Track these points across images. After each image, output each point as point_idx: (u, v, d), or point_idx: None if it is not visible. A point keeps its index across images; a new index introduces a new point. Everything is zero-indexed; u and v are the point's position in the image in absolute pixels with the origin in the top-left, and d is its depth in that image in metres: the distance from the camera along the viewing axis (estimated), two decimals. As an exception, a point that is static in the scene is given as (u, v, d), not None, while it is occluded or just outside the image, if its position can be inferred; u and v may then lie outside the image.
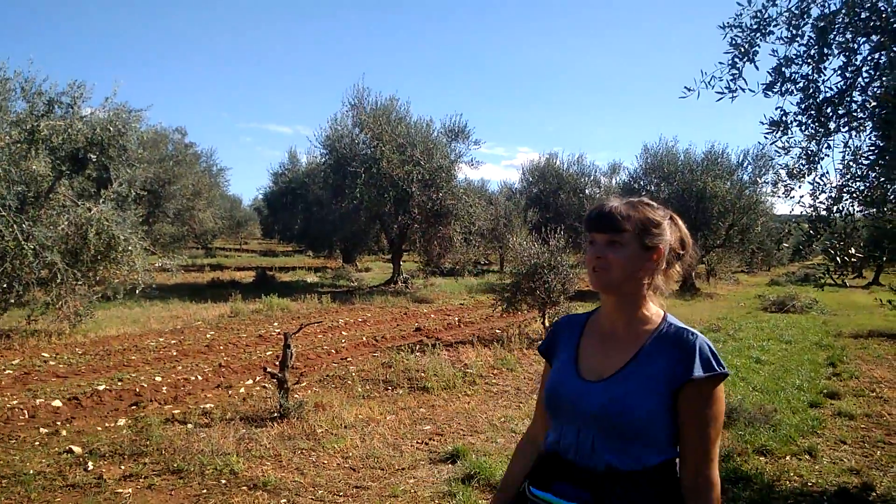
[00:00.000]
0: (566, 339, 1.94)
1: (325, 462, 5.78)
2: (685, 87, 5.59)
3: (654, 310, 1.82)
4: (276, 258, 37.80)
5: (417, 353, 10.17)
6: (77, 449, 5.75)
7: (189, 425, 6.58)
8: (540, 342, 2.11)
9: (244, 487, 5.11)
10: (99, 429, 6.48)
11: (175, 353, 10.32)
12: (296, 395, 7.40)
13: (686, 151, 25.77)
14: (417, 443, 6.44)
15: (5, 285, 9.98)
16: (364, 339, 12.16)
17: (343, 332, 12.90)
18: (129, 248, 11.00)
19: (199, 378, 8.75)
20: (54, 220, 10.51)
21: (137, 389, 7.96)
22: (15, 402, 7.29)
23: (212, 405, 7.39)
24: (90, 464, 5.43)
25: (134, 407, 7.34)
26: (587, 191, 31.19)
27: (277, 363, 9.72)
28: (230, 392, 8.12)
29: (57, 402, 7.25)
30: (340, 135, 20.75)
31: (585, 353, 1.87)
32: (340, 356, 10.61)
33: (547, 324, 12.00)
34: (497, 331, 13.11)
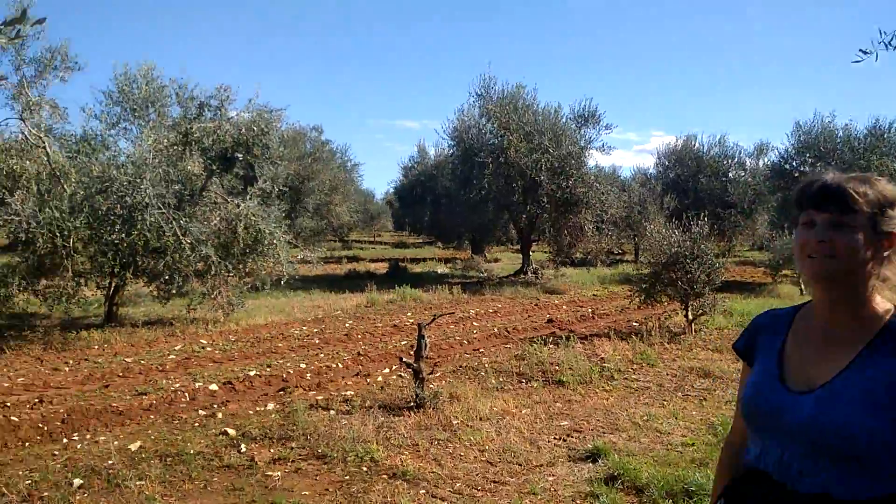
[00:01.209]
0: (768, 339, 1.65)
1: (462, 454, 5.72)
2: (860, 51, 4.89)
3: (885, 306, 1.49)
4: (408, 250, 38.78)
5: (551, 346, 9.92)
6: (231, 431, 6.10)
7: (331, 412, 6.79)
8: (737, 339, 1.80)
9: (384, 476, 5.16)
10: (251, 412, 6.85)
11: (317, 342, 10.77)
12: (431, 386, 7.43)
13: (845, 127, 23.32)
14: (555, 439, 6.23)
15: (167, 277, 10.89)
16: (495, 330, 12.08)
17: (474, 323, 12.90)
18: (274, 241, 11.63)
19: (340, 366, 9.05)
20: (207, 216, 11.33)
21: (284, 375, 8.36)
22: (177, 385, 7.89)
23: (352, 392, 7.60)
24: (243, 446, 5.73)
25: (281, 392, 7.70)
26: (730, 174, 29.14)
27: (412, 353, 9.88)
28: (368, 380, 8.32)
29: (214, 386, 7.76)
30: (467, 126, 20.77)
31: (792, 358, 1.58)
32: (472, 347, 10.58)
33: (690, 316, 11.28)
34: (634, 324, 12.53)
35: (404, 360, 7.04)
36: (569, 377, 8.24)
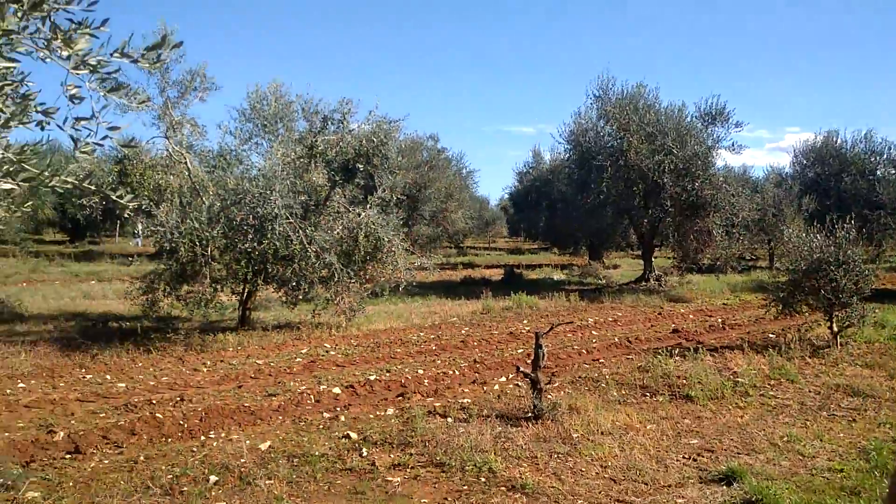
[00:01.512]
0: None
1: (583, 469, 5.51)
2: None
3: None
4: (523, 256, 38.51)
5: (677, 358, 9.40)
6: (353, 435, 6.23)
7: (449, 419, 6.78)
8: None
9: (502, 487, 5.06)
10: (371, 416, 6.99)
11: (434, 348, 10.87)
12: (549, 396, 7.24)
13: None
14: (684, 458, 5.86)
15: (294, 283, 11.43)
16: (616, 339, 11.64)
17: (593, 332, 12.51)
18: (393, 248, 11.89)
19: (457, 373, 9.05)
20: (331, 224, 11.79)
21: (403, 381, 8.47)
22: (304, 387, 8.21)
23: (469, 400, 7.56)
24: (364, 450, 5.84)
25: (400, 398, 7.80)
26: (878, 172, 26.47)
27: (529, 362, 9.71)
28: (485, 388, 8.25)
29: (337, 390, 8.00)
30: (584, 129, 20.30)
31: None
32: (592, 357, 10.25)
33: (835, 328, 10.29)
34: (770, 335, 11.64)
35: (521, 369, 6.90)
36: (697, 392, 7.76)
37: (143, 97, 2.33)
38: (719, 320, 13.94)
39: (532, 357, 9.90)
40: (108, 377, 8.59)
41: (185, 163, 11.85)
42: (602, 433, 6.38)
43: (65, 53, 2.17)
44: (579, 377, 8.78)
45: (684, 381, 8.21)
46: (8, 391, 7.75)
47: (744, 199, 19.13)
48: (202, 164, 12.38)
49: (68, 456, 5.63)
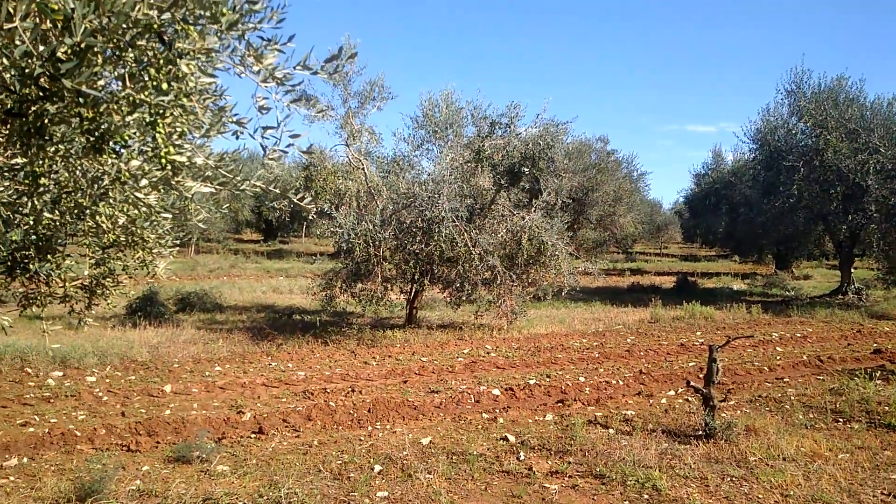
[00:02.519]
0: None
1: (760, 497, 5.03)
2: None
3: None
4: (698, 263, 36.26)
5: (878, 382, 8.32)
6: (511, 438, 6.23)
7: (610, 430, 6.55)
8: None
9: (667, 508, 4.78)
10: (529, 421, 6.94)
11: (597, 355, 10.57)
12: (722, 414, 6.73)
13: None
14: (882, 494, 5.14)
15: (458, 284, 11.72)
16: (804, 357, 10.54)
17: (777, 348, 11.43)
18: (557, 252, 11.76)
19: (620, 383, 8.72)
20: (495, 228, 11.93)
21: (563, 387, 8.33)
22: (464, 386, 8.37)
23: (632, 412, 7.25)
24: (522, 453, 5.81)
25: (560, 404, 7.68)
26: None
27: (701, 376, 9.09)
28: (651, 401, 7.86)
29: (496, 391, 8.06)
30: (773, 126, 18.63)
31: None
32: (774, 375, 9.37)
33: None
34: None
35: (692, 383, 6.47)
36: (904, 422, 6.79)
37: (322, 107, 2.51)
38: (935, 342, 12.10)
39: (705, 371, 9.30)
40: (290, 365, 9.38)
41: (363, 168, 12.63)
42: (784, 459, 5.79)
43: (256, 68, 2.40)
44: (759, 396, 8.06)
45: (886, 409, 7.24)
46: (207, 373, 8.75)
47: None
48: (377, 169, 13.13)
49: (253, 435, 6.22)
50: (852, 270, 19.77)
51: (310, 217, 11.90)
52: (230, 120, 2.56)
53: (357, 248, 11.03)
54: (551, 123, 12.11)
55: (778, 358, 10.55)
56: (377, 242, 11.06)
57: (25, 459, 5.46)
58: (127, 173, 2.24)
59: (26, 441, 5.87)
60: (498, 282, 11.39)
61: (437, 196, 11.22)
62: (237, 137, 2.88)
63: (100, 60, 1.98)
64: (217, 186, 2.58)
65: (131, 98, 2.10)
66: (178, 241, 3.94)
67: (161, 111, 2.22)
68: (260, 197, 35.57)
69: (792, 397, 7.95)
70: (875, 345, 11.76)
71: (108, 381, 8.25)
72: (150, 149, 2.33)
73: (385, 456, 5.65)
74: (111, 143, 2.19)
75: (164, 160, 2.30)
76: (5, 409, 6.96)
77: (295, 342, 10.88)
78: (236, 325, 12.50)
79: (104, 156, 2.20)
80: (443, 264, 11.75)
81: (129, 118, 2.10)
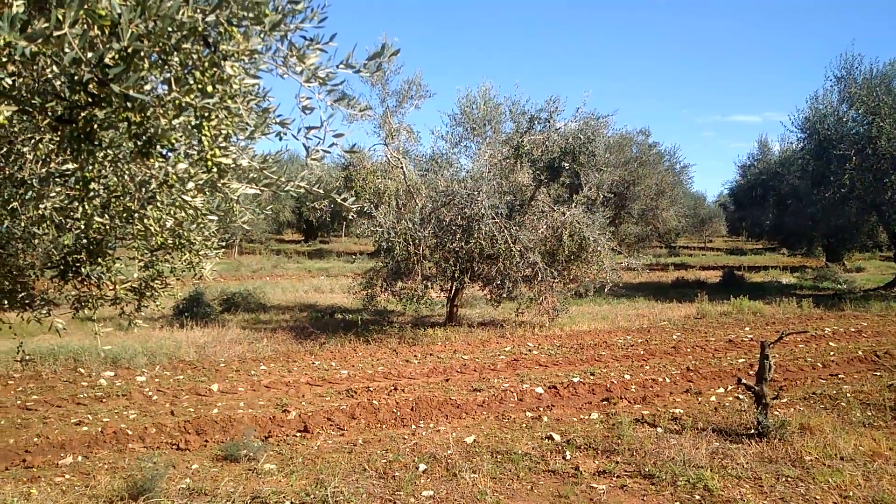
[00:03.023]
0: None
1: (818, 498, 4.86)
2: None
3: None
4: (744, 256, 35.36)
5: (943, 378, 7.96)
6: (556, 436, 6.15)
7: (658, 429, 6.41)
8: None
9: (720, 509, 4.64)
10: (574, 419, 6.85)
11: (642, 352, 10.38)
12: (775, 412, 6.52)
13: None
14: (950, 497, 4.90)
15: (499, 282, 11.65)
16: (860, 353, 10.16)
17: (830, 343, 11.05)
18: (598, 248, 11.59)
19: (667, 380, 8.54)
20: (535, 224, 11.81)
21: (608, 385, 8.20)
22: (507, 384, 8.31)
23: (681, 410, 7.08)
24: (568, 453, 5.72)
25: (605, 402, 7.55)
26: None
27: (752, 373, 8.83)
28: (699, 399, 7.68)
29: (539, 389, 7.97)
30: (823, 114, 18.00)
31: None
32: (829, 371, 9.06)
33: None
34: None
35: (743, 381, 6.29)
36: (972, 421, 6.48)
37: (363, 106, 2.49)
38: None
39: (757, 368, 9.04)
40: (333, 364, 9.45)
41: (402, 167, 12.66)
42: (841, 458, 5.59)
43: (298, 68, 2.39)
44: (813, 393, 7.80)
45: (954, 408, 6.93)
46: (252, 372, 8.88)
47: None
48: (416, 167, 13.14)
49: (298, 434, 6.27)
50: (909, 262, 19.00)
51: (350, 216, 11.97)
52: (274, 121, 2.55)
53: (397, 247, 11.05)
54: (591, 117, 11.93)
55: (831, 353, 10.21)
56: (417, 241, 11.07)
57: (80, 458, 5.62)
58: (174, 177, 2.26)
59: (80, 440, 6.04)
60: (539, 278, 11.27)
61: (476, 193, 11.16)
62: (280, 139, 2.88)
63: (146, 65, 1.99)
64: (262, 188, 2.59)
65: (177, 101, 2.10)
66: (223, 243, 3.98)
67: (206, 114, 2.23)
68: (300, 198, 36.06)
69: (848, 394, 7.68)
70: (935, 339, 11.28)
71: (157, 380, 8.44)
72: (195, 152, 2.34)
73: (429, 455, 5.63)
74: (158, 147, 2.20)
75: (209, 163, 2.31)
76: (60, 408, 7.18)
77: (337, 341, 10.97)
78: (280, 324, 12.67)
79: (151, 159, 2.21)
80: (483, 262, 11.69)
81: (175, 122, 2.11)
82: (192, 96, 2.07)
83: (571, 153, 11.47)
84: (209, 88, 2.18)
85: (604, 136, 12.26)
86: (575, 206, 11.75)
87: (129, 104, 2.01)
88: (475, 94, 12.94)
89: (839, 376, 8.75)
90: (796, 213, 24.10)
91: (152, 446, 5.94)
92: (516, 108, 12.71)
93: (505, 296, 12.04)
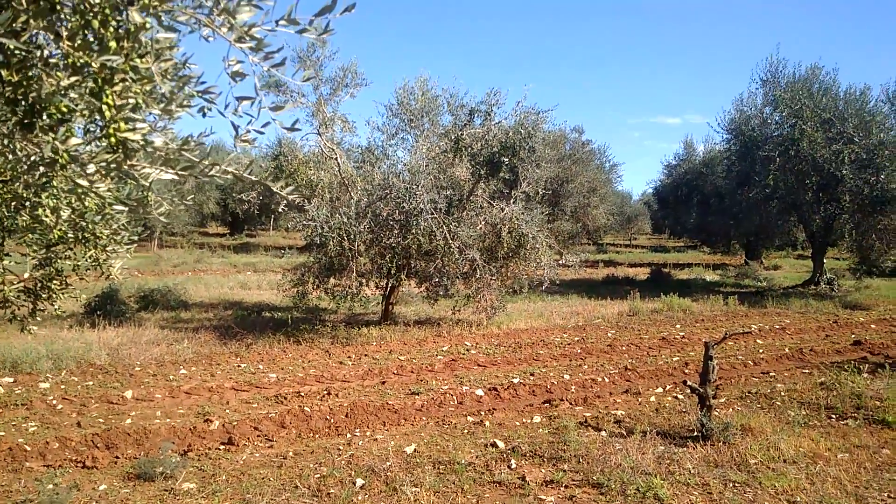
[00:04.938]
0: None
1: (766, 503, 4.76)
2: None
3: None
4: (668, 254, 36.44)
5: (866, 375, 8.18)
6: (500, 444, 5.87)
7: (603, 433, 6.24)
8: None
9: (673, 519, 4.46)
10: (517, 423, 6.59)
11: (579, 351, 10.29)
12: (714, 412, 6.47)
13: None
14: (889, 497, 4.92)
15: (437, 279, 11.30)
16: (786, 350, 10.42)
17: (758, 341, 11.30)
18: (537, 245, 11.42)
19: (606, 380, 8.44)
20: (474, 220, 11.51)
21: (548, 386, 8.01)
22: (446, 387, 7.99)
23: (623, 412, 6.96)
24: (513, 461, 5.45)
25: (546, 404, 7.35)
26: None
27: (688, 371, 8.86)
28: (639, 399, 7.59)
29: (480, 391, 7.69)
30: (747, 116, 18.58)
31: None
32: (760, 369, 9.21)
33: None
34: (983, 353, 9.88)
35: (689, 383, 6.19)
36: (898, 418, 6.62)
37: (306, 75, 2.06)
38: (912, 333, 12.12)
39: (692, 367, 9.08)
40: (261, 367, 8.88)
41: (336, 158, 12.11)
42: (784, 461, 5.56)
43: (224, 29, 1.95)
44: (749, 392, 7.86)
45: (878, 403, 7.10)
46: (171, 377, 8.20)
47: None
48: (352, 159, 12.61)
49: (222, 447, 5.74)
50: (824, 261, 19.91)
51: (280, 209, 11.32)
52: (195, 93, 2.10)
53: (330, 242, 10.52)
54: (532, 111, 11.72)
55: (761, 351, 10.41)
56: (352, 236, 10.58)
57: (-34, 480, 4.91)
58: (65, 155, 1.79)
59: (-31, 458, 5.31)
60: (477, 276, 11.01)
61: (414, 187, 10.78)
62: (204, 115, 2.43)
63: (24, 3, 1.51)
64: (180, 172, 2.13)
65: (70, 59, 1.64)
66: (135, 238, 3.45)
67: (109, 76, 1.76)
68: (226, 189, 34.60)
69: (782, 393, 7.77)
70: (853, 336, 11.72)
71: (63, 387, 7.65)
72: (97, 126, 1.86)
73: (367, 468, 5.23)
74: (44, 117, 1.73)
75: (112, 138, 1.84)
76: (-53, 420, 6.36)
77: (265, 341, 10.35)
78: (202, 323, 11.90)
79: (35, 133, 1.74)
80: (420, 258, 11.32)
81: (65, 83, 1.64)
82: (86, 53, 1.60)
83: (511, 148, 11.24)
84: (112, 44, 1.72)
85: (543, 130, 12.08)
86: (514, 202, 11.55)
87: (0, 57, 1.53)
88: (413, 84, 12.53)
89: (770, 374, 8.89)
90: (719, 212, 24.90)
91: (55, 464, 5.28)
92: (455, 100, 12.39)
93: (442, 293, 11.72)
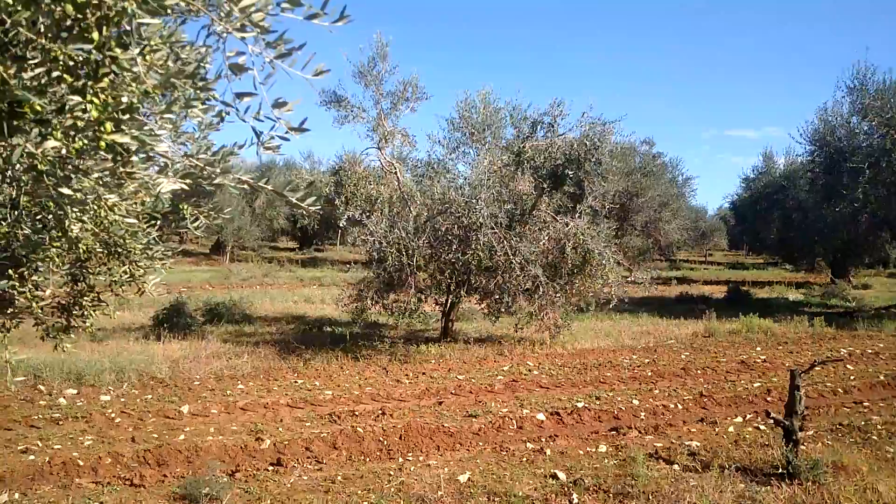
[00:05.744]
0: None
1: (866, 558, 4.17)
2: None
3: None
4: (746, 271, 34.67)
5: (979, 409, 7.30)
6: (561, 475, 5.45)
7: (675, 466, 5.72)
8: None
9: (755, 574, 3.95)
10: (580, 452, 6.15)
11: (650, 374, 9.69)
12: (802, 446, 5.83)
13: None
14: None
15: (497, 296, 10.94)
16: (881, 377, 9.50)
17: (848, 367, 10.37)
18: (603, 261, 10.91)
19: (679, 406, 7.86)
20: (536, 235, 11.10)
21: (615, 412, 7.51)
22: (505, 409, 7.61)
23: (697, 443, 6.39)
24: (575, 496, 5.03)
25: (613, 432, 6.86)
26: None
27: (769, 399, 8.15)
28: (716, 429, 6.99)
29: (541, 416, 7.28)
30: (833, 127, 17.39)
31: None
32: (852, 398, 8.41)
33: None
34: None
35: (773, 414, 5.61)
36: None
37: (318, 69, 1.80)
38: None
39: (776, 395, 8.34)
40: (317, 383, 8.74)
41: (396, 173, 11.98)
42: (885, 506, 4.91)
43: (220, 14, 1.72)
44: (840, 424, 7.13)
45: None
46: (228, 392, 8.16)
47: None
48: (411, 173, 12.45)
49: (270, 468, 5.56)
50: (921, 280, 18.34)
51: (340, 224, 11.25)
52: (189, 84, 1.87)
53: (389, 257, 10.35)
54: (598, 122, 11.23)
55: (852, 378, 9.54)
56: (410, 251, 10.37)
57: (17, 495, 4.90)
58: (45, 160, 1.60)
59: (24, 471, 5.33)
60: (540, 292, 10.57)
61: (474, 201, 10.49)
62: (222, 119, 2.21)
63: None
64: (182, 181, 1.91)
65: (41, 47, 1.44)
66: (168, 253, 3.29)
67: (93, 71, 1.56)
68: (295, 205, 35.34)
69: (878, 426, 7.02)
70: (961, 364, 10.61)
71: (122, 400, 7.72)
72: (84, 125, 1.66)
73: (417, 497, 4.93)
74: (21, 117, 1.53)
75: (101, 142, 1.63)
76: (10, 431, 6.47)
77: (324, 357, 10.24)
78: (264, 337, 11.94)
79: (9, 135, 1.54)
80: (480, 274, 11.00)
81: (37, 70, 1.44)
82: (53, 41, 1.39)
83: (576, 160, 10.80)
84: (94, 35, 1.51)
85: (610, 142, 11.55)
86: (579, 217, 11.07)
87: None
88: (474, 97, 12.27)
89: (864, 404, 8.08)
90: (802, 227, 23.46)
91: (104, 481, 5.23)
92: (517, 112, 12.05)
93: (503, 310, 11.32)
